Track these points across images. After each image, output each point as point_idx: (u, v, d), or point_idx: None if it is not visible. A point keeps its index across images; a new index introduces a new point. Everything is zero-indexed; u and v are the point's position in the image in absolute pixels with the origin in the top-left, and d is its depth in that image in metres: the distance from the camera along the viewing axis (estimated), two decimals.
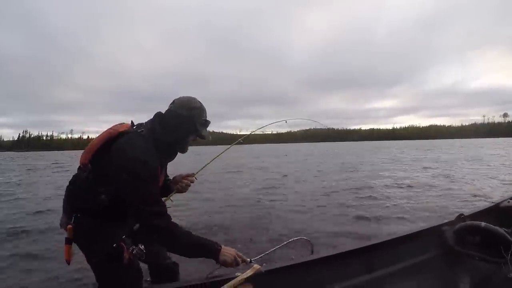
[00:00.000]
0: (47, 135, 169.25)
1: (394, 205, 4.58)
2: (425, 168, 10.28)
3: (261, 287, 1.25)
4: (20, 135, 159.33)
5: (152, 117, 1.34)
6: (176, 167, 1.46)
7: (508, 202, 2.31)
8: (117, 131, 1.22)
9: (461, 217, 1.88)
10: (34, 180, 9.97)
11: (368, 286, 1.54)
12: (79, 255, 1.29)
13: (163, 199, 1.41)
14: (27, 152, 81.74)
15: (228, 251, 1.25)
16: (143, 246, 1.35)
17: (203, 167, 1.70)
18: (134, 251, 1.31)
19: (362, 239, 2.96)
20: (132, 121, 1.32)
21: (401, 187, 6.30)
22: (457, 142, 56.87)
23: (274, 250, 1.46)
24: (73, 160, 26.10)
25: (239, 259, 1.26)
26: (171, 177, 1.54)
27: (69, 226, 1.21)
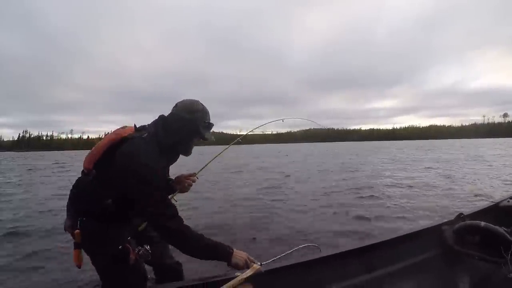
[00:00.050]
0: (47, 135, 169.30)
1: (395, 204, 4.58)
2: (425, 168, 10.27)
3: (261, 287, 1.25)
4: (20, 135, 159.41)
5: (154, 119, 1.34)
6: (177, 167, 1.47)
7: (508, 201, 2.31)
8: (120, 136, 1.23)
9: (460, 217, 1.88)
10: (35, 180, 9.96)
11: (368, 286, 1.54)
12: (84, 257, 1.30)
13: None
14: (27, 152, 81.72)
15: (239, 255, 1.27)
16: (148, 247, 1.36)
17: (204, 166, 1.71)
18: (140, 251, 1.32)
19: (363, 239, 2.97)
20: (135, 124, 1.32)
21: (402, 187, 6.30)
22: (457, 142, 56.84)
23: (285, 255, 1.45)
24: (73, 160, 26.09)
25: (250, 263, 1.28)
26: (173, 177, 1.55)
27: (77, 231, 1.22)
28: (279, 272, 1.36)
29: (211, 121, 1.36)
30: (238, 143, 1.94)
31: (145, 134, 1.24)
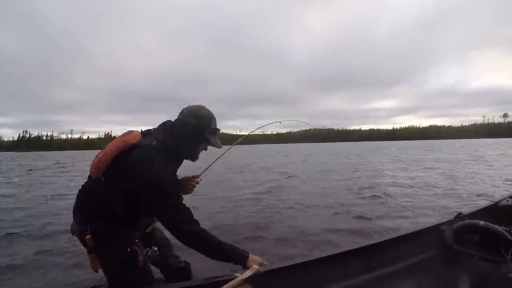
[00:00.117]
0: (47, 135, 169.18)
1: (396, 204, 4.59)
2: (426, 168, 10.27)
3: (261, 287, 1.25)
4: (20, 135, 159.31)
5: (160, 123, 1.37)
6: (180, 168, 1.49)
7: (507, 200, 2.31)
8: (129, 143, 1.23)
9: (459, 216, 1.88)
10: (36, 181, 9.95)
11: (368, 286, 1.54)
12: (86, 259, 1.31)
13: None
14: (27, 152, 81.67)
15: (254, 259, 1.33)
16: (156, 248, 1.39)
17: (206, 168, 1.72)
18: (149, 253, 1.35)
19: (364, 239, 2.97)
20: (141, 130, 1.33)
21: (403, 187, 6.31)
22: (457, 142, 56.83)
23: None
24: (74, 160, 26.13)
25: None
26: None
27: (88, 236, 1.23)
28: (279, 273, 1.37)
29: (217, 127, 1.37)
30: (240, 143, 1.97)
31: (154, 142, 1.25)
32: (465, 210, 2.13)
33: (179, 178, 1.54)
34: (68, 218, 4.11)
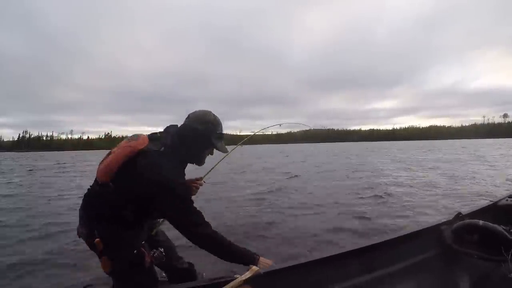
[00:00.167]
0: (47, 136, 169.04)
1: (397, 204, 4.60)
2: (427, 168, 10.28)
3: None
4: (20, 135, 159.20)
5: (165, 127, 1.40)
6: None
7: (507, 200, 2.31)
8: (136, 148, 1.25)
9: (459, 216, 1.88)
10: (38, 181, 9.95)
11: (368, 287, 1.54)
12: (92, 262, 1.32)
13: None
14: (27, 153, 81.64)
15: (265, 261, 1.36)
16: (162, 249, 1.41)
17: (210, 170, 1.74)
18: (155, 254, 1.37)
19: (365, 239, 2.98)
20: (148, 135, 1.34)
21: (403, 187, 6.32)
22: (457, 142, 56.78)
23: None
24: (74, 161, 26.08)
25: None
26: None
27: (97, 239, 1.25)
28: (278, 274, 1.37)
29: (223, 132, 1.40)
30: (244, 143, 2.00)
31: (162, 148, 1.27)
32: (465, 210, 2.13)
33: None
34: (69, 218, 4.18)
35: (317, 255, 1.56)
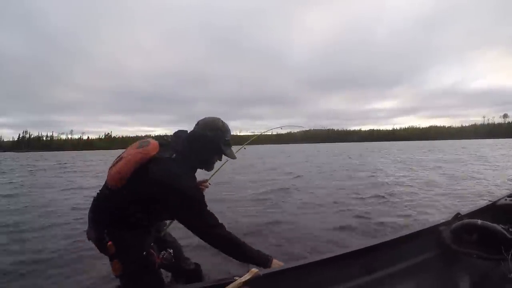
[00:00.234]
0: (47, 136, 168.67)
1: (398, 204, 4.61)
2: (429, 168, 10.29)
3: None
4: (20, 136, 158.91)
5: (174, 132, 1.45)
6: None
7: (505, 200, 2.30)
8: (148, 155, 1.27)
9: (458, 217, 1.88)
10: (38, 181, 9.94)
11: None
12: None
13: None
14: (27, 153, 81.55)
15: (278, 263, 1.40)
16: (171, 250, 1.44)
17: (214, 173, 1.76)
18: (165, 256, 1.40)
19: (367, 239, 2.99)
20: (159, 142, 1.36)
21: (404, 187, 6.33)
22: (457, 143, 56.75)
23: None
24: (74, 160, 26.09)
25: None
26: None
27: (109, 243, 1.27)
28: (278, 276, 1.36)
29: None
30: (249, 144, 2.06)
31: (174, 155, 1.30)
32: (464, 210, 2.13)
33: None
34: (71, 219, 4.18)
35: (316, 257, 1.56)
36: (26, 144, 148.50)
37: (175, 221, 1.55)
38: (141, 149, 1.29)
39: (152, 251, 1.35)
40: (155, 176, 1.22)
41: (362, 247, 1.63)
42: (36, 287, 2.25)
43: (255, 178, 8.96)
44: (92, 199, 1.42)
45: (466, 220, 1.78)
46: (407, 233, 1.80)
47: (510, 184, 6.32)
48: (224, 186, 6.95)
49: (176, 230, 1.73)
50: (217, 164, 1.79)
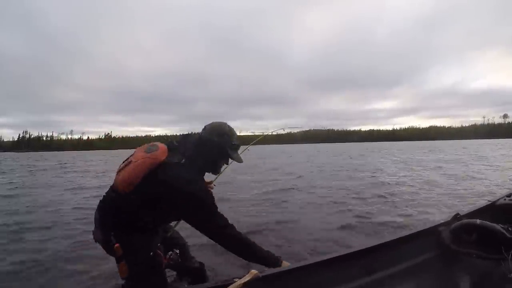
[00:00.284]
0: (47, 136, 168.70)
1: (399, 204, 4.62)
2: (428, 168, 10.31)
3: None
4: (20, 136, 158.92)
5: (181, 137, 1.48)
6: None
7: (504, 199, 2.30)
8: (158, 160, 1.29)
9: (457, 217, 1.89)
10: (41, 181, 9.95)
11: None
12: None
13: None
14: (27, 153, 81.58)
15: (286, 264, 1.42)
16: (178, 250, 1.46)
17: (219, 174, 1.75)
18: (171, 255, 1.42)
19: (368, 239, 3.01)
20: (168, 147, 1.39)
21: (405, 187, 6.35)
22: (458, 143, 56.79)
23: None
24: (75, 160, 26.08)
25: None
26: None
27: (117, 245, 1.28)
28: (277, 277, 1.36)
29: (237, 143, 1.48)
30: (241, 144, 2.04)
31: (183, 160, 1.33)
32: (464, 210, 2.14)
33: None
34: (73, 219, 4.17)
35: (316, 258, 1.56)
36: (26, 144, 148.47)
37: (180, 221, 1.58)
38: (150, 154, 1.30)
39: (159, 251, 1.37)
40: (167, 181, 1.24)
41: (361, 248, 1.63)
42: (38, 287, 2.25)
43: (256, 178, 8.97)
44: (93, 199, 1.44)
45: (465, 220, 1.79)
46: (407, 234, 1.80)
47: (511, 184, 6.32)
48: (226, 186, 6.97)
49: (182, 230, 1.75)
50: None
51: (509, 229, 1.65)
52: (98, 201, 1.41)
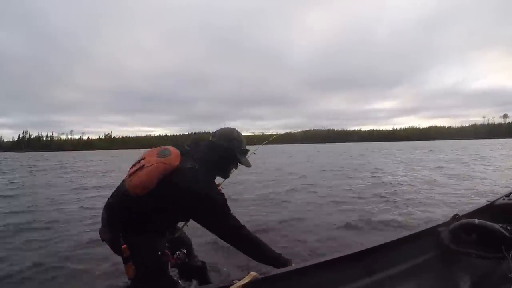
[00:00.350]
0: (47, 136, 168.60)
1: (400, 204, 4.63)
2: (429, 168, 10.32)
3: None
4: (20, 136, 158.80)
5: (192, 141, 1.53)
6: None
7: (503, 199, 2.30)
8: (172, 166, 1.32)
9: (456, 217, 1.89)
10: (43, 181, 9.96)
11: None
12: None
13: None
14: (28, 153, 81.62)
15: None
16: (185, 250, 1.49)
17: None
18: (179, 255, 1.45)
19: (369, 236, 3.03)
20: (181, 151, 1.42)
21: (406, 187, 6.36)
22: (458, 143, 56.79)
23: None
24: (75, 160, 26.12)
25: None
26: None
27: (124, 246, 1.30)
28: (277, 279, 1.36)
29: (246, 148, 1.55)
30: (268, 143, 2.13)
31: (196, 166, 1.37)
32: (463, 210, 2.15)
33: None
34: (73, 219, 4.18)
35: (316, 259, 1.57)
36: (26, 144, 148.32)
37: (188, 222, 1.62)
38: (164, 159, 1.32)
39: (167, 251, 1.40)
40: (183, 187, 1.29)
41: (361, 249, 1.63)
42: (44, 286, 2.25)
43: (257, 178, 8.97)
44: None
45: (464, 220, 1.79)
46: (406, 235, 1.81)
47: (511, 184, 6.33)
48: (227, 187, 6.97)
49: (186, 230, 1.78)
50: None
51: (508, 228, 1.66)
52: (99, 201, 1.43)
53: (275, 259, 1.44)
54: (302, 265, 1.49)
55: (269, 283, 1.32)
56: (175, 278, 1.56)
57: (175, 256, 1.45)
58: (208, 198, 1.31)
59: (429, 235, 1.84)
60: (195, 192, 1.29)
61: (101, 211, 1.45)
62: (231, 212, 1.41)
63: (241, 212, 4.41)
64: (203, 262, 1.78)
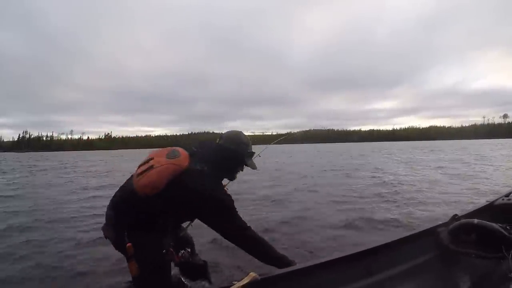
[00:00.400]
0: (47, 136, 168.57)
1: (400, 204, 4.63)
2: (429, 168, 10.32)
3: None
4: (20, 136, 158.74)
5: (199, 144, 1.55)
6: None
7: (503, 199, 2.31)
8: (181, 167, 1.34)
9: (455, 217, 1.89)
10: (43, 181, 9.95)
11: None
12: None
13: None
14: (28, 153, 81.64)
15: None
16: (189, 249, 1.51)
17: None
18: (183, 254, 1.48)
19: (368, 239, 3.01)
20: (189, 153, 1.44)
21: (406, 186, 6.36)
22: (458, 143, 56.77)
23: None
24: (76, 160, 26.13)
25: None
26: None
27: (128, 244, 1.31)
28: (276, 279, 1.37)
29: (253, 151, 1.58)
30: (279, 143, 2.38)
31: (205, 168, 1.40)
32: (463, 210, 2.15)
33: None
34: (73, 219, 4.17)
35: (316, 260, 1.57)
36: (26, 144, 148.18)
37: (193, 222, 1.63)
38: (173, 160, 1.35)
39: (171, 250, 1.41)
40: (193, 188, 1.31)
41: (361, 249, 1.64)
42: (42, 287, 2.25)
43: (257, 178, 8.97)
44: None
45: (463, 220, 1.79)
46: (406, 235, 1.81)
47: (511, 184, 6.33)
48: (229, 187, 6.98)
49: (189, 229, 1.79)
50: None
51: (508, 228, 1.66)
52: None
53: (279, 260, 1.45)
54: (302, 265, 1.49)
55: (269, 283, 1.32)
56: (178, 276, 1.58)
57: (180, 254, 1.48)
58: (216, 199, 1.34)
59: (429, 235, 1.85)
60: (204, 193, 1.32)
61: (101, 211, 1.46)
62: (238, 213, 1.43)
63: (241, 212, 4.39)
64: (204, 261, 1.80)
